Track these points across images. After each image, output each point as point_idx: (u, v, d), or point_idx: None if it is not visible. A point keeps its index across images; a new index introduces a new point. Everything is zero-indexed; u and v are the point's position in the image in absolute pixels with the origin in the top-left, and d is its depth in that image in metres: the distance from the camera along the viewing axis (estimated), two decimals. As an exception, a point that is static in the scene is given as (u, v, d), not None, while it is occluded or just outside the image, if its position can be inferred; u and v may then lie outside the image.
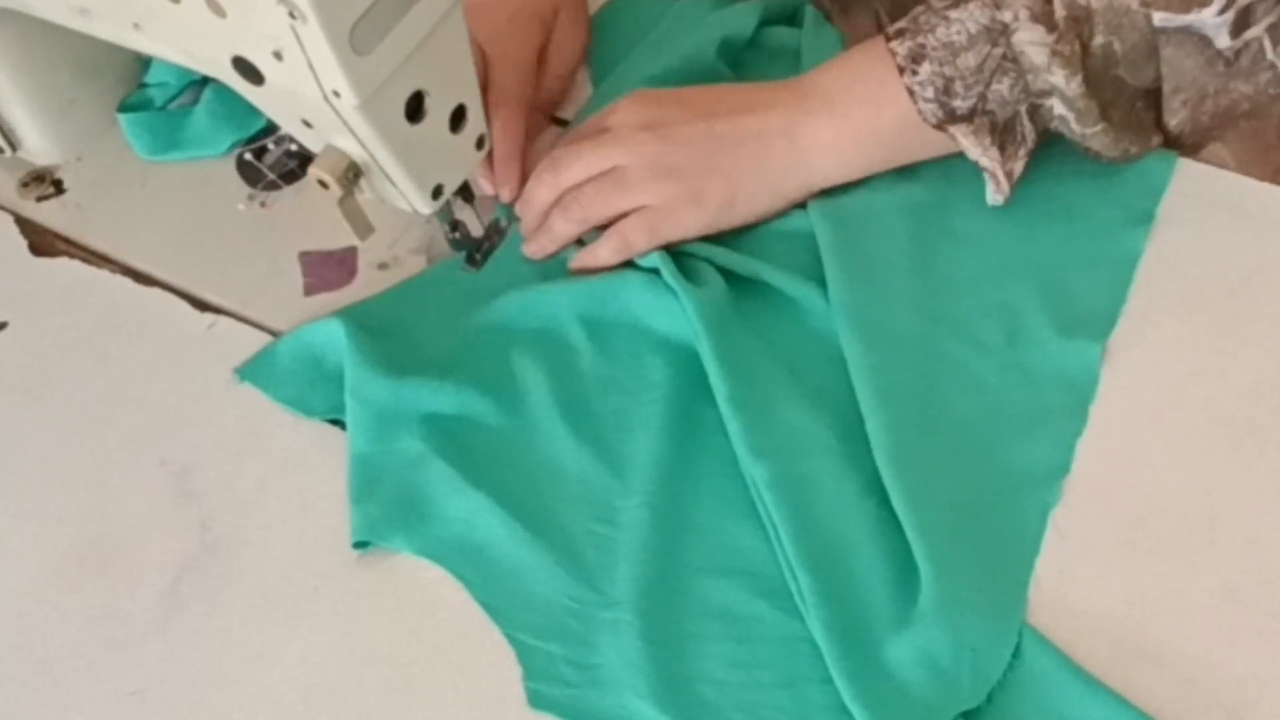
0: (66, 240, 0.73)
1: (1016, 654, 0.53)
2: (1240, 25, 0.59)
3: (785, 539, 0.56)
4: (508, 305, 0.65)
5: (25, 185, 0.75)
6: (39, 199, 0.75)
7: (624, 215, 0.64)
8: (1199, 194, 0.67)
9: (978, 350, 0.61)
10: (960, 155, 0.63)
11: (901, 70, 0.62)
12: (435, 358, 0.64)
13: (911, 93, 0.62)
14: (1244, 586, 0.55)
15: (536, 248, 0.66)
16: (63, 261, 0.72)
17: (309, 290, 0.69)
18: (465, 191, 0.64)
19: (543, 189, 0.66)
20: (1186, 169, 0.67)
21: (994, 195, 0.64)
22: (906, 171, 0.67)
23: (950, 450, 0.59)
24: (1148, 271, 0.64)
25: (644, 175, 0.63)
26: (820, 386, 0.62)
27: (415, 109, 0.57)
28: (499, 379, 0.63)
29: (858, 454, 0.59)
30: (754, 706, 0.53)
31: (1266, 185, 0.67)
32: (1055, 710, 0.52)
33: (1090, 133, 0.61)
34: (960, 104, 0.61)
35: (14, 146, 0.76)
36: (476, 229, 0.67)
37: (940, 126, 0.62)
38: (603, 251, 0.64)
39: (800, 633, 0.55)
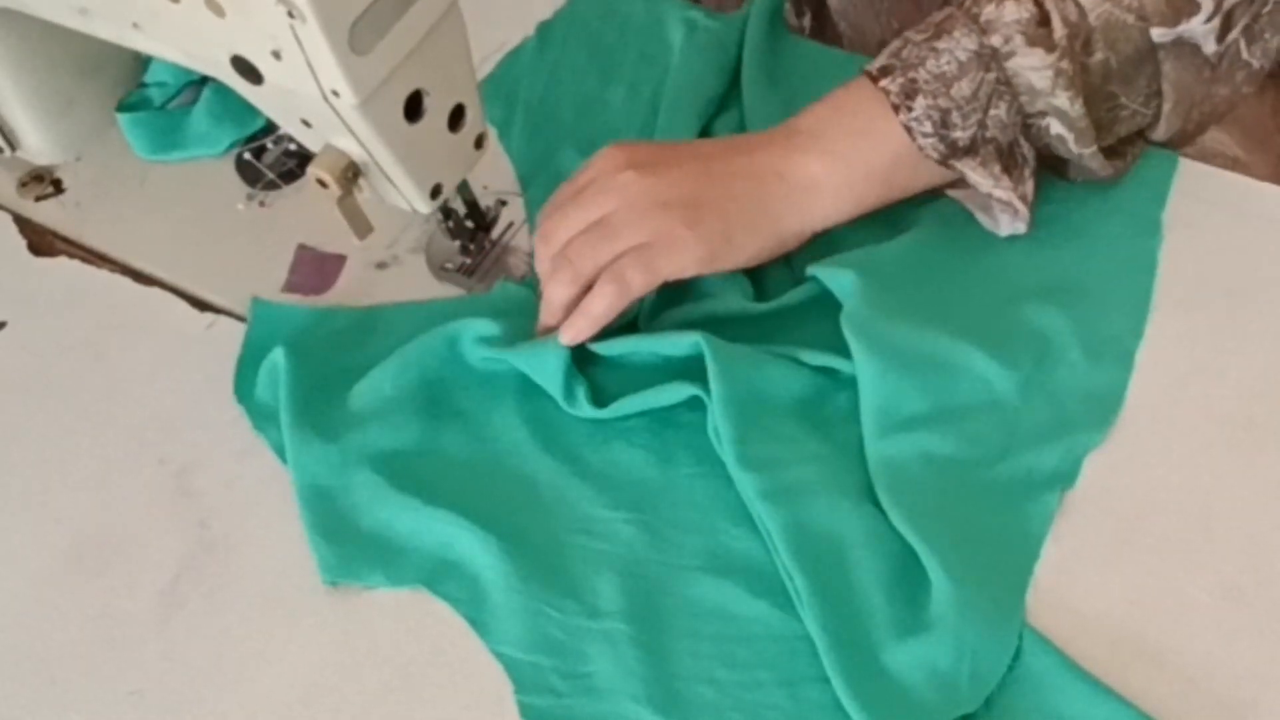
0: (66, 240, 0.73)
1: (1016, 655, 0.53)
2: (1224, 29, 0.58)
3: (780, 544, 0.56)
4: (453, 349, 0.63)
5: (24, 185, 0.75)
6: (38, 199, 0.75)
7: None
8: (1199, 194, 0.66)
9: (1004, 368, 0.60)
10: (944, 198, 0.62)
11: (896, 108, 0.60)
12: (388, 393, 0.62)
13: (909, 129, 0.60)
14: (1244, 586, 0.55)
15: (543, 328, 0.62)
16: (62, 261, 0.72)
17: (289, 287, 0.68)
18: (463, 190, 0.64)
19: (540, 263, 0.61)
20: (1187, 169, 0.67)
21: (1013, 223, 0.62)
22: (900, 223, 0.65)
23: (953, 464, 0.58)
24: (1148, 271, 0.64)
25: (632, 215, 0.58)
26: (802, 395, 0.61)
27: (414, 108, 0.57)
28: (459, 409, 0.62)
29: (850, 459, 0.59)
30: (753, 706, 0.53)
31: (1268, 185, 0.67)
32: (1055, 710, 0.52)
33: (1088, 153, 0.60)
34: (960, 134, 0.60)
35: (13, 146, 0.76)
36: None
37: (944, 163, 0.60)
38: (597, 303, 0.58)
39: (799, 631, 0.55)
